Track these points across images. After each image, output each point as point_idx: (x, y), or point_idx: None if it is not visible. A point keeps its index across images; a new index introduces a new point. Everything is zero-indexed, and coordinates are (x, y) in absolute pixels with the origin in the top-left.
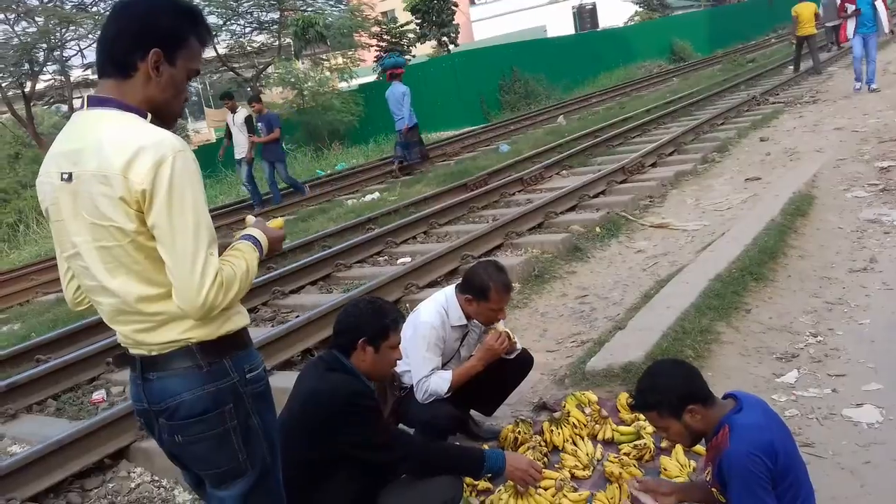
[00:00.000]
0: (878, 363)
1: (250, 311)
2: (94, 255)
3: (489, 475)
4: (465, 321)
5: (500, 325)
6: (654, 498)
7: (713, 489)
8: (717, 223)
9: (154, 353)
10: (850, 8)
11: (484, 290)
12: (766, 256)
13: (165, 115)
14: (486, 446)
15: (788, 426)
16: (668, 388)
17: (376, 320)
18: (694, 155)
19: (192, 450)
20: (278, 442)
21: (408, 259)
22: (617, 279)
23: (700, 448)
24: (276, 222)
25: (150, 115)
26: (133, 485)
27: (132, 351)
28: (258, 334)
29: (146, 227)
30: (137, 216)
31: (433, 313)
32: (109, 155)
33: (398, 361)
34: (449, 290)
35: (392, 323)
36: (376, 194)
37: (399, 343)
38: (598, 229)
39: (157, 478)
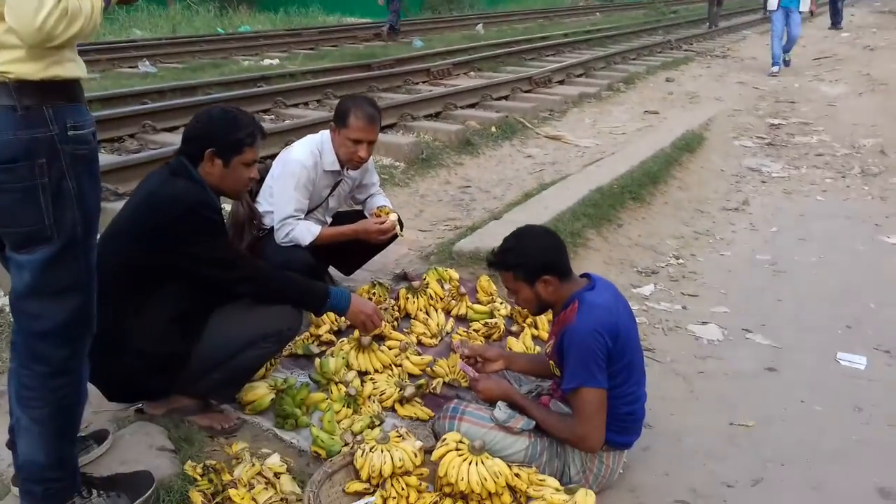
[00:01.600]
0: (730, 290)
1: (117, 140)
2: None
3: (332, 313)
4: (338, 167)
5: (392, 215)
6: (481, 361)
7: (551, 361)
8: (609, 144)
9: None
10: None
11: (344, 116)
12: (648, 180)
13: None
14: None
15: None
16: (530, 254)
17: (229, 131)
18: (601, 81)
19: None
20: (97, 219)
21: (293, 121)
22: (502, 177)
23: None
24: None
25: None
26: None
27: None
28: (109, 161)
29: None
30: None
31: (306, 152)
32: None
33: (261, 200)
34: (325, 133)
35: (247, 137)
36: (276, 60)
37: (254, 161)
38: (493, 129)
39: None
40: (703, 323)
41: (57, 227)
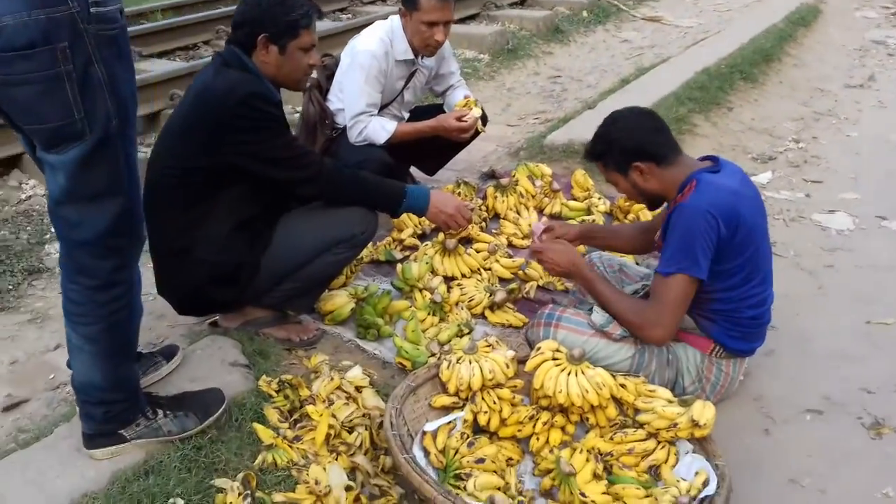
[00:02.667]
0: (860, 175)
1: (192, 48)
2: None
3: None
4: (411, 55)
5: (476, 109)
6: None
7: (657, 251)
8: (714, 23)
9: None
10: None
11: None
12: (759, 58)
13: None
14: None
15: None
16: (616, 139)
17: (282, 13)
18: None
19: (14, 94)
20: (134, 110)
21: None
22: (596, 64)
23: None
24: None
25: None
26: (23, 196)
27: None
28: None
29: None
30: None
31: (375, 41)
32: None
33: (332, 98)
34: (395, 18)
35: (303, 18)
36: None
37: (313, 45)
38: (585, 13)
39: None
40: (830, 212)
41: (89, 121)
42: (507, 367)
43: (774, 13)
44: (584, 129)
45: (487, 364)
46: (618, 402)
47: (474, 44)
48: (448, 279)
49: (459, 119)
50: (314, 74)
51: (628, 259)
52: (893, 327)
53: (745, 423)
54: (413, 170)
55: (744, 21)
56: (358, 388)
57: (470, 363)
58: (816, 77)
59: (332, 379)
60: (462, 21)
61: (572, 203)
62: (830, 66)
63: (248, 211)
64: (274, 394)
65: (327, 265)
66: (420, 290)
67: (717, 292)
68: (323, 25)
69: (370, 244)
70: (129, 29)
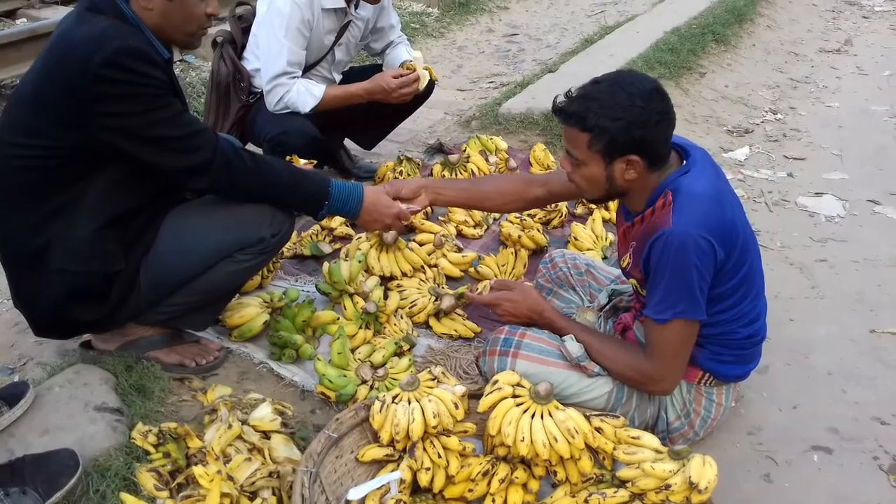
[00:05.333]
0: (845, 151)
1: None
2: None
3: (341, 217)
4: (343, 3)
5: (419, 61)
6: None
7: (632, 280)
8: None
9: None
10: None
11: None
12: (732, 18)
13: None
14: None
15: None
16: (624, 116)
17: None
18: None
19: None
20: None
21: None
22: (555, 22)
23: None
24: None
25: None
26: None
27: None
28: None
29: None
30: None
31: None
32: None
33: (248, 56)
34: None
35: None
36: None
37: None
38: None
39: None
40: (817, 194)
41: None
42: (456, 407)
43: None
44: (544, 95)
45: (431, 405)
46: (593, 451)
47: None
48: (386, 279)
49: (399, 76)
50: (225, 27)
51: (597, 258)
52: None
53: (743, 467)
54: (348, 142)
55: None
56: (266, 434)
57: (409, 403)
58: (790, 40)
59: (230, 426)
60: None
61: None
62: (804, 28)
63: (122, 204)
64: (152, 449)
65: (228, 276)
66: (351, 296)
67: (707, 317)
68: None
69: (294, 234)
70: None
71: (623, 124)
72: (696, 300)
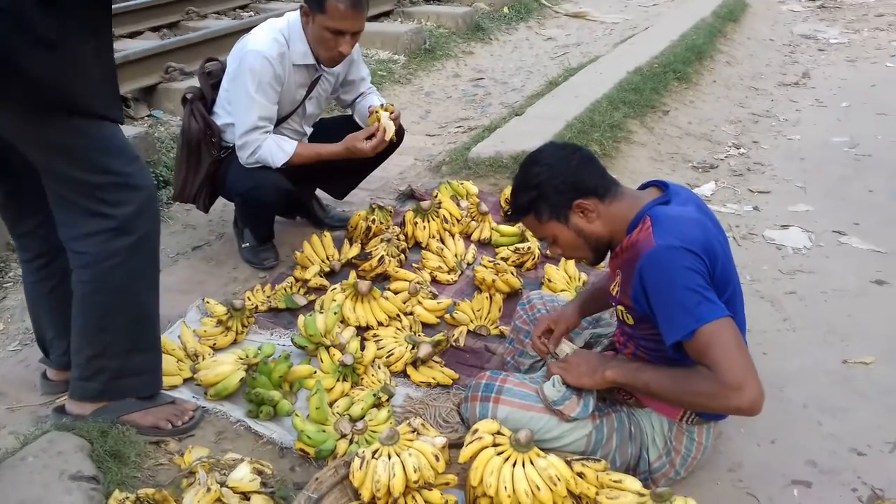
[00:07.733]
0: (808, 183)
1: None
2: None
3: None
4: (312, 59)
5: (384, 117)
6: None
7: (619, 307)
8: (641, 18)
9: None
10: None
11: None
12: (692, 55)
13: None
14: (327, 234)
15: None
16: (546, 179)
17: None
18: None
19: None
20: None
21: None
22: (520, 65)
23: None
24: None
25: None
26: None
27: None
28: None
29: None
30: None
31: (268, 41)
32: None
33: (218, 111)
34: (294, 15)
35: None
36: None
37: None
38: (506, 9)
39: None
40: (783, 227)
41: None
42: (437, 459)
43: (701, 7)
44: (514, 139)
45: (411, 459)
46: (576, 497)
47: (388, 43)
48: (362, 329)
49: (370, 138)
50: (195, 83)
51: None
52: (874, 367)
53: None
54: (319, 192)
55: (672, 16)
56: (246, 495)
57: (389, 458)
58: (750, 75)
59: (208, 489)
60: (375, 18)
61: (503, 227)
62: (762, 62)
63: None
64: None
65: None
66: (327, 348)
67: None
68: (219, 24)
69: (269, 286)
70: None
71: (545, 187)
72: (708, 299)
